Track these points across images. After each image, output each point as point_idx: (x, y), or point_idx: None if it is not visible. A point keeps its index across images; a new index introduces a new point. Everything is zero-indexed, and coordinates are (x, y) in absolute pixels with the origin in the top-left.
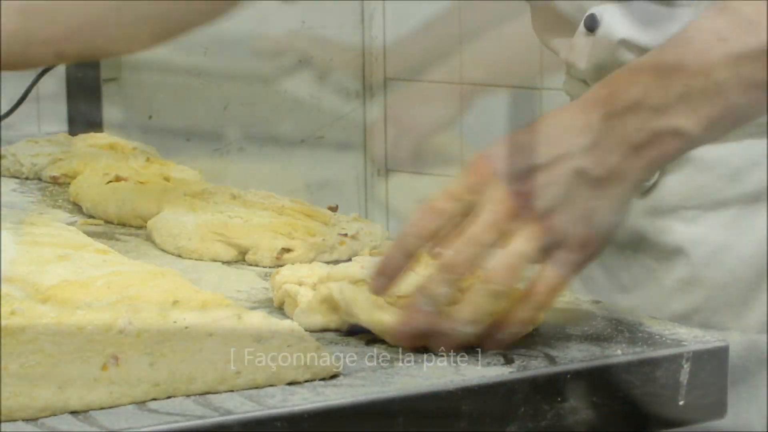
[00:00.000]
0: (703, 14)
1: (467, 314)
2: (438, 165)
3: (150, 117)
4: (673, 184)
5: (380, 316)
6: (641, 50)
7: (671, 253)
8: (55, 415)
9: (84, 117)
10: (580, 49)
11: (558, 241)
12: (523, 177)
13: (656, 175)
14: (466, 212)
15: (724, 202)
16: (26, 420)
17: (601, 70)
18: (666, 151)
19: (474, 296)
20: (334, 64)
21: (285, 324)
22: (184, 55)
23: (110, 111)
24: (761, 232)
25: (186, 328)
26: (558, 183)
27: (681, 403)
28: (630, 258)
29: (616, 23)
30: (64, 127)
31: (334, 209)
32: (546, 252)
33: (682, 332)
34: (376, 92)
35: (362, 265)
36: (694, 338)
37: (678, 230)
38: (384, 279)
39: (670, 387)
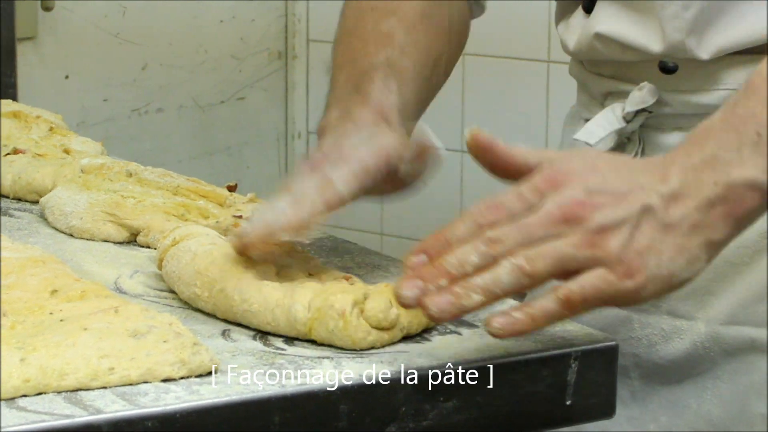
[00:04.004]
0: None
1: (483, 282)
2: None
3: (66, 77)
4: None
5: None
6: (617, 46)
7: None
8: None
9: None
10: (572, 29)
11: (601, 259)
12: (593, 193)
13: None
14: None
15: None
16: None
17: (585, 55)
18: (745, 206)
19: (497, 268)
20: (256, 24)
21: (163, 318)
22: (103, 14)
23: (25, 70)
24: None
25: (61, 321)
26: (625, 209)
27: (568, 402)
28: None
29: (603, 14)
30: None
31: (233, 188)
32: (588, 264)
33: (573, 330)
34: (299, 54)
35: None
36: (585, 336)
37: None
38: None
39: (557, 386)
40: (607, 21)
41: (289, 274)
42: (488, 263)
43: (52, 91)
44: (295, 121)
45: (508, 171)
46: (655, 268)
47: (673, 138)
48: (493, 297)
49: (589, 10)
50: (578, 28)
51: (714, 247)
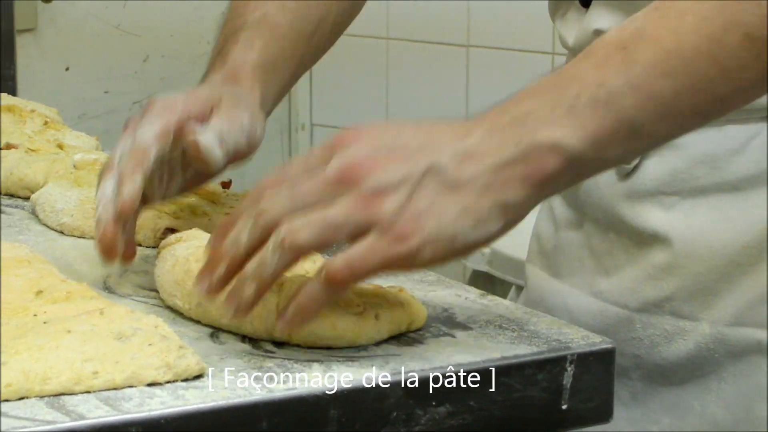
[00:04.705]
0: (631, 17)
1: (252, 269)
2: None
3: (67, 69)
4: (652, 169)
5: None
6: None
7: (649, 238)
8: None
9: None
10: (570, 24)
11: (372, 223)
12: (380, 149)
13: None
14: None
15: (703, 190)
16: None
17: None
18: (544, 169)
19: (262, 250)
20: None
21: (149, 320)
22: (103, 6)
23: (25, 63)
24: (738, 222)
25: (45, 323)
26: (407, 168)
27: (564, 407)
28: (613, 241)
29: (599, 11)
30: None
31: (227, 185)
32: (359, 231)
33: (569, 332)
34: None
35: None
36: (581, 338)
37: (656, 216)
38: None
39: (552, 390)
40: (606, 17)
41: None
42: (256, 240)
43: (52, 84)
44: (299, 113)
45: None
46: (433, 230)
47: None
48: (265, 283)
49: (586, 4)
50: (576, 23)
51: (509, 211)
